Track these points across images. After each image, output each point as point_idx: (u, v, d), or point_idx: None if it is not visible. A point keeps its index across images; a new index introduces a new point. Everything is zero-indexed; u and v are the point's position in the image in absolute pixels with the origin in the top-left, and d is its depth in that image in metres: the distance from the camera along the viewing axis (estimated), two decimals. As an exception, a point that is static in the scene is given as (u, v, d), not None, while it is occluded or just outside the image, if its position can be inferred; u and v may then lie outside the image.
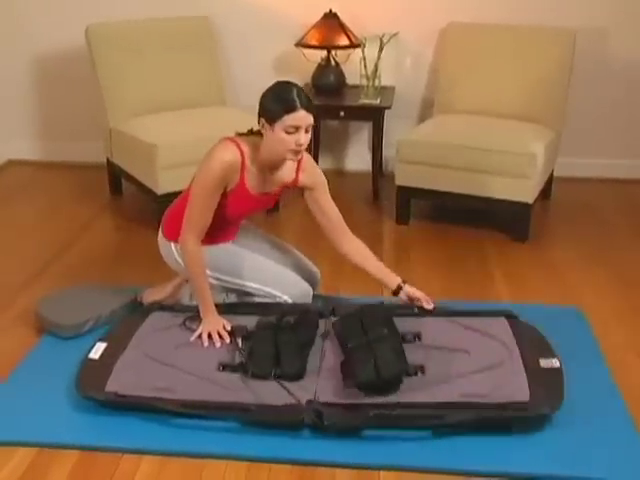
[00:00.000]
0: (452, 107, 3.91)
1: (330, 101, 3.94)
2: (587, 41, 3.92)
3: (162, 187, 3.42)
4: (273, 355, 2.31)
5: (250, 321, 2.50)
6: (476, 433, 2.09)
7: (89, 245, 3.42)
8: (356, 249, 2.62)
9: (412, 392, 2.19)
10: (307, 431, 2.12)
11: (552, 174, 3.90)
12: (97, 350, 2.42)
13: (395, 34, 3.93)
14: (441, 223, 3.70)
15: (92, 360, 2.37)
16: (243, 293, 2.68)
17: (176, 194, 2.76)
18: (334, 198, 2.61)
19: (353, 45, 3.93)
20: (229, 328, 2.49)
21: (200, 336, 2.47)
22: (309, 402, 2.14)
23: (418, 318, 2.55)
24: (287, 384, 2.20)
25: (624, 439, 2.12)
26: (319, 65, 4.04)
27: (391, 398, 2.17)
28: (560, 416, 2.14)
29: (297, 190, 2.60)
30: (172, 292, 2.80)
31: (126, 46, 3.74)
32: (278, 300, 2.62)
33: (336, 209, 2.60)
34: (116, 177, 3.99)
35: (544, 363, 2.31)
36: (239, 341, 2.44)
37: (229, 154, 2.37)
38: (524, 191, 3.40)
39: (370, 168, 4.07)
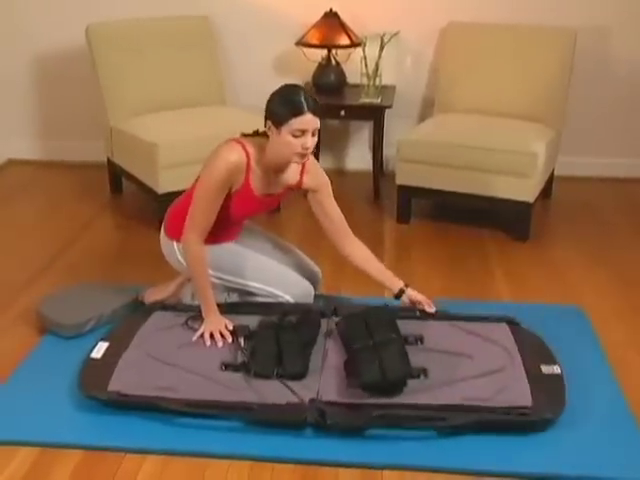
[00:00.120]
0: (452, 106, 3.91)
1: (331, 100, 3.94)
2: (588, 40, 3.92)
3: (163, 186, 3.42)
4: (275, 354, 2.31)
5: (252, 321, 2.51)
6: (480, 433, 2.10)
7: (90, 244, 3.42)
8: (358, 251, 2.62)
9: (415, 394, 2.19)
10: (310, 430, 2.12)
11: (553, 173, 3.91)
12: (99, 349, 2.42)
13: (396, 33, 3.94)
14: (442, 222, 3.70)
15: (94, 359, 2.37)
16: (245, 293, 2.68)
17: (177, 193, 2.76)
18: (335, 197, 2.61)
19: (354, 44, 3.93)
20: (231, 327, 2.49)
21: (202, 336, 2.47)
22: (312, 401, 2.15)
23: (420, 321, 2.55)
24: (290, 383, 2.20)
25: (627, 437, 2.13)
26: (320, 64, 4.04)
27: (394, 399, 2.17)
28: (563, 415, 2.14)
29: (301, 192, 2.60)
30: (174, 291, 2.80)
31: (126, 45, 3.74)
32: (280, 300, 2.63)
33: (339, 211, 2.60)
34: (116, 176, 3.98)
35: (545, 369, 2.32)
36: (241, 340, 2.44)
37: (235, 155, 2.37)
38: (525, 190, 3.40)
39: (371, 167, 4.07)
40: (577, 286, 3.06)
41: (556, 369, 2.32)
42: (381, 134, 3.99)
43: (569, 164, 4.13)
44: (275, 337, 2.36)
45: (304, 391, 2.18)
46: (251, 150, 2.41)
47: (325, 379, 2.26)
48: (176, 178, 3.35)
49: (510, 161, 3.38)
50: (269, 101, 2.35)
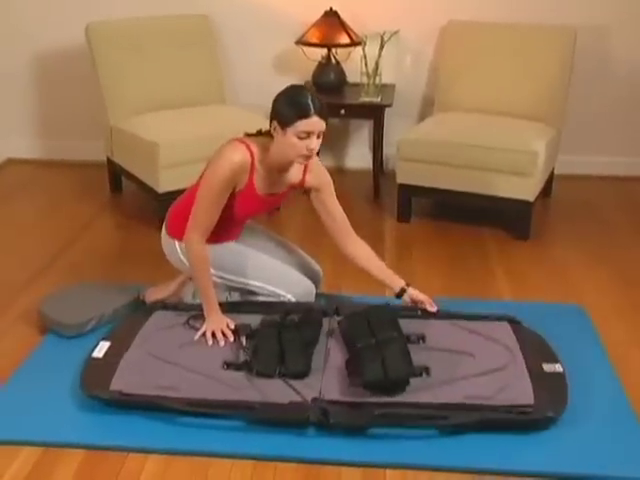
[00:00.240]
0: (452, 105, 3.91)
1: (331, 99, 3.91)
2: (587, 39, 3.92)
3: (163, 186, 3.41)
4: (278, 353, 2.31)
5: (254, 320, 2.50)
6: (482, 432, 2.10)
7: (90, 244, 3.42)
8: (360, 250, 2.62)
9: (417, 392, 2.19)
10: (312, 429, 2.12)
11: (553, 172, 3.91)
12: (101, 349, 2.42)
13: (396, 32, 3.93)
14: (442, 221, 3.70)
15: (96, 359, 2.37)
16: (246, 292, 2.68)
17: (177, 192, 2.76)
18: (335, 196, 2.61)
19: (354, 43, 3.92)
20: (233, 326, 2.49)
21: (204, 335, 2.47)
22: (314, 400, 2.15)
23: (422, 320, 2.55)
24: (292, 382, 2.20)
25: (628, 435, 2.13)
26: (319, 63, 4.03)
27: (396, 398, 2.17)
28: (565, 414, 2.15)
29: (303, 191, 2.60)
30: (175, 291, 2.79)
31: (126, 44, 3.74)
32: (282, 299, 2.62)
33: (341, 210, 2.61)
34: (116, 175, 3.98)
35: (547, 368, 2.32)
36: (243, 339, 2.44)
37: (239, 155, 2.37)
38: (525, 189, 3.40)
39: (370, 166, 4.07)
40: (578, 285, 3.07)
41: (558, 367, 2.32)
42: (381, 133, 3.99)
43: (569, 163, 4.14)
44: (277, 336, 2.36)
45: (306, 390, 2.18)
46: (255, 150, 2.41)
47: (327, 378, 2.26)
48: (176, 177, 3.35)
49: (510, 160, 3.38)
50: (275, 101, 2.34)
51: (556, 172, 3.96)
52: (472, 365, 2.33)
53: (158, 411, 2.16)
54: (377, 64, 3.90)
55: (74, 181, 4.18)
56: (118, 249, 3.38)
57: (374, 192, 4.01)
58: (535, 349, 2.42)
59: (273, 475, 2.00)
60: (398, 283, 2.60)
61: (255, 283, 2.63)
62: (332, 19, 3.93)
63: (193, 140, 3.45)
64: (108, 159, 3.93)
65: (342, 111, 3.93)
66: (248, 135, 2.48)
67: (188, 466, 2.02)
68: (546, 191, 3.89)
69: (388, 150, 4.15)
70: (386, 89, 4.03)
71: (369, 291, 2.86)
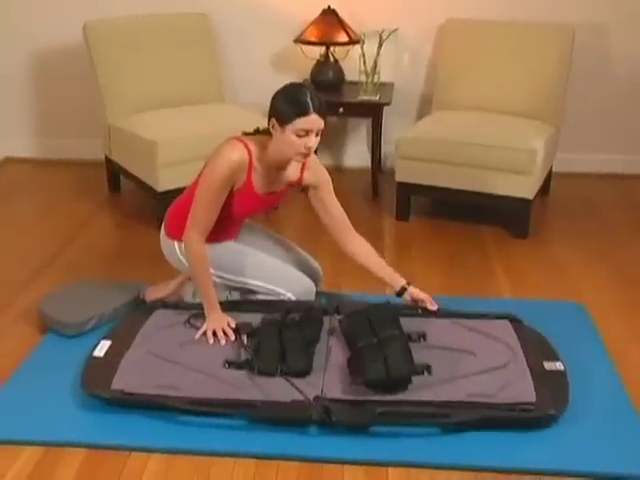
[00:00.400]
0: (451, 103, 3.91)
1: (329, 97, 3.90)
2: (586, 37, 3.93)
3: (162, 184, 3.41)
4: (279, 352, 2.31)
5: (254, 318, 2.50)
6: (483, 429, 2.10)
7: (89, 242, 3.41)
8: (359, 247, 2.62)
9: (419, 391, 2.19)
10: (314, 428, 2.12)
11: (551, 170, 3.92)
12: (101, 348, 2.41)
13: (394, 30, 3.93)
14: (441, 219, 3.70)
15: (97, 358, 2.37)
16: (246, 291, 2.68)
17: (176, 191, 2.75)
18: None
19: (352, 41, 3.92)
20: (234, 325, 2.48)
21: (205, 333, 2.46)
22: (316, 398, 2.15)
23: (423, 319, 2.56)
24: (294, 380, 2.20)
25: (629, 432, 2.14)
26: (318, 61, 4.03)
27: (398, 396, 2.17)
28: (566, 411, 2.15)
29: (301, 189, 2.60)
30: (175, 290, 2.79)
31: (124, 43, 3.73)
32: (282, 297, 2.62)
33: (340, 208, 2.60)
34: (114, 174, 3.97)
35: (548, 366, 2.32)
36: (244, 338, 2.44)
37: (237, 154, 2.37)
38: (524, 187, 3.41)
39: (369, 164, 4.07)
40: (577, 282, 3.07)
41: (559, 365, 2.33)
42: (379, 131, 4.00)
43: (567, 161, 4.14)
44: (278, 335, 2.36)
45: (308, 388, 2.18)
46: (253, 148, 2.41)
47: (329, 376, 2.26)
48: (175, 176, 3.35)
49: (509, 158, 3.38)
50: (274, 99, 2.34)
51: (554, 170, 3.97)
52: (473, 363, 2.33)
53: (160, 410, 2.16)
54: (375, 62, 3.90)
55: (72, 180, 4.17)
56: (117, 248, 3.37)
57: (373, 190, 4.01)
58: (536, 347, 2.42)
59: (276, 474, 2.00)
60: (399, 281, 2.60)
61: (255, 282, 2.63)
62: (330, 17, 3.93)
63: (192, 138, 3.44)
64: (106, 158, 3.92)
65: (340, 109, 3.93)
66: (246, 134, 2.48)
67: (190, 465, 2.02)
68: (544, 189, 3.89)
69: (386, 148, 4.16)
70: (384, 87, 4.03)
71: (369, 289, 2.86)
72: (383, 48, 3.91)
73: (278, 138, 2.34)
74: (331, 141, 4.36)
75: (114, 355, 2.37)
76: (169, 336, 2.47)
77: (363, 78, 3.92)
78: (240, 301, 2.66)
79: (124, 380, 2.24)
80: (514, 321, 2.57)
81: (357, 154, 4.38)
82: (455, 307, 2.64)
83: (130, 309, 2.71)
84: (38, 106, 4.42)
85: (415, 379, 2.22)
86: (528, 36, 3.81)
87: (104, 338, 2.48)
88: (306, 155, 2.35)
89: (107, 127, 3.74)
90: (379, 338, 2.29)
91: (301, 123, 2.28)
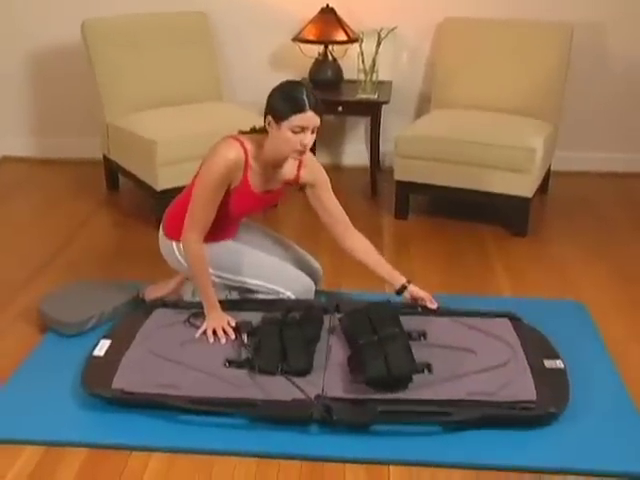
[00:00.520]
0: (449, 102, 3.91)
1: (327, 96, 3.90)
2: (584, 36, 3.93)
3: (161, 183, 3.41)
4: (279, 350, 2.30)
5: (254, 317, 2.50)
6: (484, 428, 2.10)
7: (88, 242, 3.41)
8: (358, 244, 2.62)
9: (420, 389, 2.19)
10: (315, 427, 2.12)
11: (549, 168, 3.92)
12: (101, 347, 2.41)
13: (393, 29, 3.93)
14: (440, 218, 3.70)
15: (97, 357, 2.36)
16: (245, 290, 2.67)
17: (175, 190, 2.75)
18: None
19: (350, 40, 3.92)
20: (234, 324, 2.48)
21: (205, 332, 2.46)
22: (317, 397, 2.15)
23: (423, 317, 2.56)
24: (295, 379, 2.20)
25: (630, 430, 2.14)
26: (316, 60, 4.03)
27: (399, 395, 2.17)
28: (566, 409, 2.15)
29: (299, 187, 2.60)
30: (174, 289, 2.79)
31: (122, 41, 3.72)
32: (281, 296, 2.62)
33: (339, 205, 2.60)
34: (113, 173, 3.97)
35: (548, 364, 2.33)
36: (244, 337, 2.43)
37: (233, 152, 2.37)
38: (523, 185, 3.41)
39: (367, 163, 4.08)
40: (576, 281, 3.08)
41: (559, 363, 2.33)
42: (378, 130, 4.00)
43: (565, 159, 4.15)
44: (279, 333, 2.36)
45: (309, 387, 2.18)
46: (249, 147, 2.41)
47: (329, 375, 2.26)
48: (174, 175, 3.34)
49: (508, 156, 3.39)
50: (270, 96, 2.34)
51: (553, 168, 3.97)
52: (474, 362, 2.33)
53: (160, 409, 2.16)
54: (374, 61, 3.89)
55: (70, 179, 4.16)
56: (116, 247, 3.37)
57: (371, 189, 4.01)
58: (536, 345, 2.43)
59: (277, 473, 2.00)
60: (398, 279, 2.60)
61: (253, 281, 2.63)
62: (329, 16, 3.93)
63: (191, 137, 3.44)
64: (104, 157, 3.92)
65: (339, 108, 3.93)
66: (242, 132, 2.47)
67: (191, 464, 2.02)
68: (543, 188, 3.89)
69: (385, 147, 4.15)
70: (383, 86, 4.03)
71: (369, 288, 2.86)
72: (382, 47, 3.91)
73: (274, 135, 2.34)
74: (330, 140, 4.36)
75: (114, 354, 2.36)
76: (169, 335, 2.47)
77: (362, 77, 3.92)
78: (240, 300, 2.65)
79: (124, 379, 2.24)
80: (514, 319, 2.57)
81: (356, 153, 4.38)
82: (455, 305, 2.64)
83: (130, 308, 2.71)
84: (36, 105, 4.41)
85: (416, 377, 2.22)
86: (526, 35, 3.81)
87: (104, 337, 2.47)
88: (302, 152, 2.35)
89: (105, 126, 3.73)
90: (380, 336, 2.29)
91: (297, 120, 2.28)
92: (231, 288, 2.69)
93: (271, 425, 2.12)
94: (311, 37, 3.92)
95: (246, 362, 2.31)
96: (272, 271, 2.66)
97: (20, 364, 2.43)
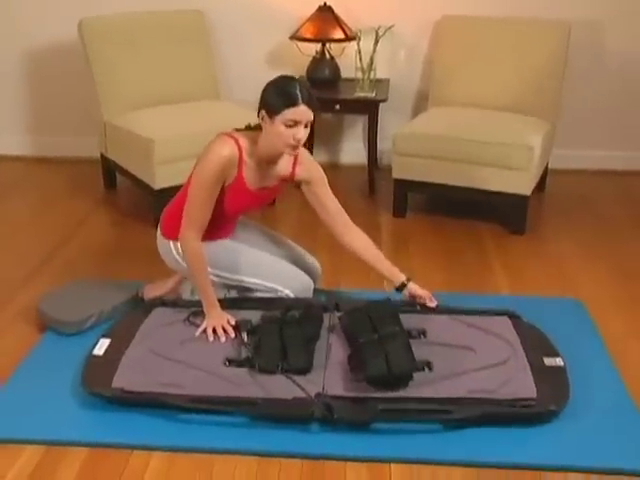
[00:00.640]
0: (447, 100, 3.91)
1: (325, 94, 3.91)
2: (581, 33, 3.94)
3: (159, 182, 3.40)
4: (279, 349, 2.30)
5: (254, 316, 2.50)
6: (485, 425, 2.11)
7: (86, 240, 3.40)
8: (358, 241, 2.61)
9: (420, 387, 2.19)
10: (316, 425, 2.12)
11: (547, 166, 3.92)
12: (101, 346, 2.41)
13: (391, 27, 3.92)
14: (438, 216, 3.70)
15: (97, 356, 2.36)
16: (243, 289, 2.67)
17: (173, 189, 2.75)
18: (329, 191, 2.60)
19: (348, 38, 3.92)
20: (233, 323, 2.48)
21: (205, 331, 2.46)
22: (318, 395, 2.15)
23: (423, 315, 2.56)
24: (295, 377, 2.20)
25: (630, 426, 2.15)
26: (314, 58, 4.03)
27: (399, 393, 2.17)
28: (566, 406, 2.16)
29: (294, 184, 2.60)
30: (173, 287, 2.79)
31: (119, 40, 3.71)
32: (279, 294, 2.62)
33: (336, 202, 2.60)
34: (110, 172, 3.96)
35: (548, 361, 2.33)
36: (244, 336, 2.43)
37: (227, 149, 2.37)
38: (521, 183, 3.41)
39: (365, 161, 4.08)
40: (575, 278, 3.08)
41: (559, 361, 2.34)
42: (375, 128, 3.99)
43: (563, 157, 4.15)
44: (278, 332, 2.35)
45: (309, 386, 2.18)
46: (243, 143, 2.41)
47: (330, 374, 2.26)
48: (172, 173, 3.33)
49: (506, 154, 3.39)
50: (264, 91, 2.35)
51: (550, 166, 3.98)
52: (474, 359, 2.33)
53: (161, 408, 2.15)
54: (372, 59, 3.89)
55: (67, 178, 4.15)
56: (114, 246, 3.36)
57: (369, 187, 4.01)
58: (535, 343, 2.43)
59: (278, 471, 2.00)
60: (398, 277, 2.59)
61: (251, 280, 2.63)
62: (326, 14, 3.93)
63: (188, 136, 3.43)
64: (102, 155, 3.91)
65: (337, 106, 3.93)
66: (236, 130, 2.47)
67: (192, 463, 2.02)
68: (540, 185, 3.90)
69: (383, 145, 4.15)
70: (380, 84, 4.03)
71: (368, 286, 2.86)
72: (379, 45, 3.90)
73: (268, 130, 2.34)
74: (327, 138, 4.36)
75: (114, 353, 2.36)
76: (169, 334, 2.47)
77: (359, 75, 3.92)
78: (239, 298, 2.65)
79: (125, 378, 2.23)
80: (513, 317, 2.58)
81: (353, 151, 4.38)
82: (454, 303, 2.65)
83: (129, 307, 2.71)
84: (33, 103, 4.39)
85: (416, 376, 2.22)
86: (524, 33, 3.82)
87: (103, 336, 2.47)
88: (295, 147, 2.35)
89: (103, 124, 3.72)
90: (380, 335, 2.29)
91: (290, 114, 2.28)
92: (229, 287, 2.69)
93: (272, 424, 2.12)
94: (308, 35, 3.92)
95: (246, 361, 2.31)
96: (270, 269, 2.66)
97: (19, 363, 2.43)
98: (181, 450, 2.06)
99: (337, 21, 3.92)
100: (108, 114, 3.69)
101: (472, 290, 2.97)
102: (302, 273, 2.69)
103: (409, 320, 2.48)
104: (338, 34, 3.91)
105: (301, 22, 3.96)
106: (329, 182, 2.60)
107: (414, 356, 2.24)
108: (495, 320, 2.55)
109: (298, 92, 2.28)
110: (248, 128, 2.49)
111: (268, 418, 2.13)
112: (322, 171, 2.59)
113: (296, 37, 3.95)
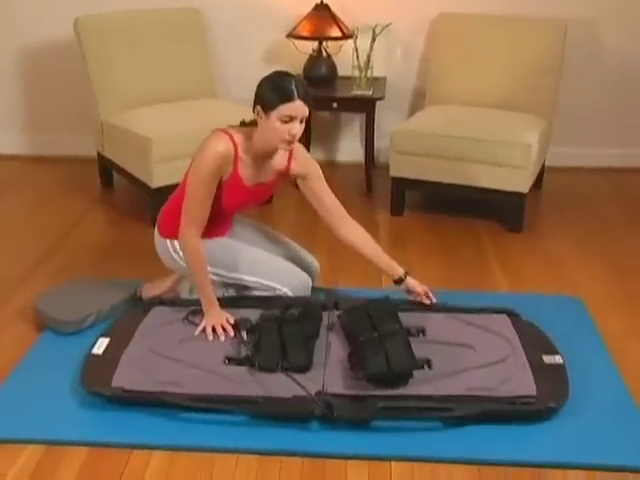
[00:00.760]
0: (444, 98, 3.92)
1: (322, 93, 3.91)
2: (578, 31, 3.95)
3: (156, 181, 3.39)
4: (279, 347, 2.30)
5: (253, 314, 2.50)
6: (485, 423, 2.11)
7: (83, 239, 3.39)
8: (355, 234, 2.60)
9: (420, 385, 2.20)
10: (316, 423, 2.12)
11: (544, 164, 3.93)
12: (100, 345, 2.40)
13: (388, 25, 3.92)
14: (436, 214, 3.71)
15: (96, 356, 2.35)
16: (241, 287, 2.67)
17: (170, 187, 2.74)
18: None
19: (345, 36, 3.91)
20: (232, 321, 2.48)
21: (204, 330, 2.46)
22: (318, 393, 2.15)
23: (422, 313, 2.56)
24: (295, 376, 2.20)
25: (629, 424, 2.15)
26: (311, 56, 4.02)
27: (399, 390, 2.18)
28: (566, 404, 2.16)
29: (290, 179, 2.60)
30: (171, 287, 2.78)
31: (116, 38, 3.70)
32: (278, 292, 2.62)
33: (332, 196, 2.60)
34: (107, 170, 3.95)
35: (547, 359, 2.34)
36: (244, 334, 2.43)
37: (222, 145, 2.37)
38: (519, 181, 3.42)
39: (362, 159, 4.08)
40: (572, 276, 3.09)
41: (558, 359, 2.34)
42: (372, 126, 3.99)
43: (559, 154, 4.16)
44: (278, 330, 2.35)
45: (309, 384, 2.18)
46: (238, 139, 2.41)
47: (329, 372, 2.26)
48: (169, 172, 3.33)
49: (504, 152, 3.39)
50: (259, 86, 2.35)
51: (546, 164, 3.98)
52: (473, 357, 2.34)
53: (160, 407, 2.15)
54: (369, 57, 3.88)
55: (63, 177, 4.14)
56: (111, 245, 3.35)
57: (366, 185, 4.01)
58: (534, 341, 2.43)
59: (279, 470, 1.99)
60: (396, 270, 2.60)
61: (250, 278, 2.62)
62: (323, 12, 3.92)
63: (185, 134, 3.40)
64: (98, 154, 3.90)
65: (334, 104, 3.92)
66: (231, 126, 2.47)
67: (193, 462, 2.01)
68: (537, 183, 3.90)
69: (380, 143, 4.15)
70: (377, 82, 4.03)
71: (366, 284, 2.86)
72: (376, 43, 3.90)
73: (263, 125, 2.34)
74: (324, 136, 4.36)
75: (113, 352, 2.35)
76: (168, 333, 2.46)
77: (356, 73, 3.91)
78: (238, 297, 2.65)
79: (124, 377, 2.23)
80: (512, 315, 2.58)
81: (350, 149, 4.38)
82: (452, 301, 2.65)
83: (127, 306, 2.70)
84: (29, 102, 4.38)
85: (416, 373, 2.22)
86: (521, 30, 3.82)
87: (102, 335, 2.46)
88: (290, 142, 2.35)
89: (99, 123, 3.71)
90: (379, 333, 2.29)
91: (285, 109, 2.28)
92: (228, 285, 2.69)
93: (272, 422, 2.12)
94: (305, 33, 3.91)
95: (246, 359, 2.31)
96: (268, 267, 2.65)
97: (18, 363, 2.42)
98: (181, 449, 2.05)
99: (334, 19, 3.92)
100: (105, 113, 3.68)
101: (470, 288, 2.97)
102: (300, 271, 2.69)
103: (408, 318, 2.48)
104: (335, 32, 3.90)
105: (298, 20, 3.95)
106: (326, 180, 2.60)
107: (414, 354, 2.24)
108: (494, 318, 2.56)
109: (294, 87, 2.28)
110: (242, 124, 2.49)
111: (268, 416, 2.13)
112: (318, 166, 2.59)
113: (293, 35, 3.94)
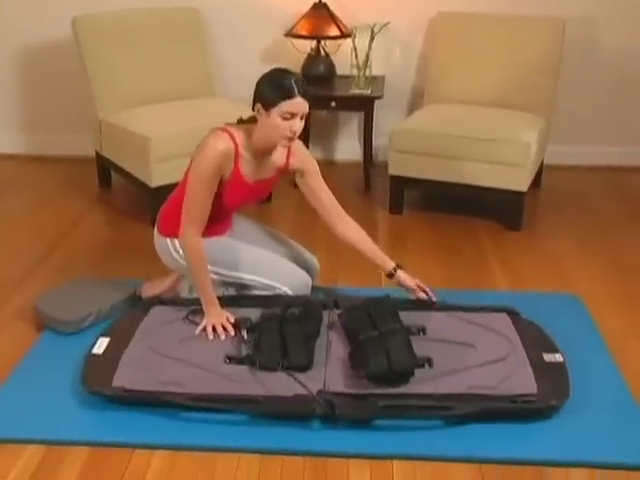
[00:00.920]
0: (442, 96, 3.92)
1: (320, 91, 3.91)
2: (576, 30, 3.95)
3: (155, 180, 3.39)
4: (280, 346, 2.30)
5: (253, 313, 2.49)
6: (486, 421, 2.11)
7: (81, 239, 3.38)
8: (351, 231, 2.61)
9: (421, 384, 2.20)
10: (317, 422, 2.12)
11: (542, 162, 3.93)
12: (100, 345, 2.40)
13: (386, 24, 3.92)
14: (434, 213, 3.71)
15: (96, 355, 2.35)
16: (241, 286, 2.66)
17: (169, 187, 2.74)
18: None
19: (343, 35, 3.91)
20: (233, 320, 2.48)
21: (204, 329, 2.46)
22: (319, 392, 2.15)
23: (422, 312, 2.56)
24: (296, 375, 2.20)
25: (630, 422, 2.16)
26: (309, 55, 4.02)
27: (400, 389, 2.18)
28: (567, 402, 2.16)
29: (289, 175, 2.60)
30: (171, 286, 2.78)
31: (114, 37, 3.69)
32: (277, 291, 2.61)
33: (330, 193, 2.61)
34: (105, 170, 3.94)
35: (547, 358, 2.34)
36: (244, 333, 2.43)
37: (222, 143, 2.37)
38: (518, 180, 3.42)
39: (360, 158, 4.08)
40: (571, 274, 3.09)
41: (558, 357, 2.34)
42: (371, 125, 3.99)
43: (558, 153, 4.16)
44: (279, 329, 2.35)
45: (311, 383, 2.18)
46: (238, 137, 2.41)
47: (330, 370, 2.26)
48: (168, 171, 3.32)
49: (503, 151, 3.40)
50: (258, 84, 2.35)
51: (545, 162, 3.99)
52: (474, 356, 2.34)
53: (161, 407, 2.15)
54: (367, 56, 3.88)
55: (62, 176, 4.13)
56: (110, 245, 3.35)
57: (365, 184, 4.01)
58: (535, 340, 2.44)
59: (281, 469, 1.99)
60: (389, 264, 2.61)
61: (249, 277, 2.62)
62: (321, 11, 3.92)
63: (184, 133, 3.40)
64: (97, 153, 3.89)
65: (332, 103, 3.92)
66: (229, 124, 2.47)
67: (194, 462, 2.01)
68: (536, 182, 3.90)
69: (378, 142, 4.15)
70: (376, 81, 4.03)
71: (366, 283, 2.86)
72: (374, 42, 3.90)
73: (263, 123, 2.34)
74: (323, 135, 4.36)
75: (113, 352, 2.35)
76: (168, 332, 2.46)
77: (354, 72, 3.91)
78: (238, 296, 2.65)
79: (125, 377, 2.22)
80: (512, 314, 2.58)
81: (349, 148, 4.38)
82: (452, 300, 2.65)
83: (127, 306, 2.70)
84: (27, 102, 4.37)
85: (417, 372, 2.22)
86: (519, 29, 3.83)
87: (102, 335, 2.46)
88: (291, 139, 2.35)
89: (98, 123, 3.71)
90: (380, 331, 2.28)
91: (286, 106, 2.28)
92: (227, 284, 2.69)
93: (273, 421, 2.12)
94: (304, 32, 3.91)
95: (246, 358, 2.31)
96: (268, 266, 2.65)
97: (18, 363, 2.41)
98: (183, 449, 2.05)
99: (332, 18, 3.92)
100: (103, 112, 3.67)
101: (470, 286, 2.97)
102: (300, 270, 2.69)
103: (408, 317, 2.48)
104: (333, 31, 3.90)
105: (296, 19, 3.95)
106: (325, 179, 2.61)
107: (415, 353, 2.24)
108: (494, 317, 2.56)
109: (293, 84, 2.29)
110: (240, 122, 2.49)
111: (269, 415, 2.13)
112: (315, 163, 2.60)
113: (291, 34, 3.94)
